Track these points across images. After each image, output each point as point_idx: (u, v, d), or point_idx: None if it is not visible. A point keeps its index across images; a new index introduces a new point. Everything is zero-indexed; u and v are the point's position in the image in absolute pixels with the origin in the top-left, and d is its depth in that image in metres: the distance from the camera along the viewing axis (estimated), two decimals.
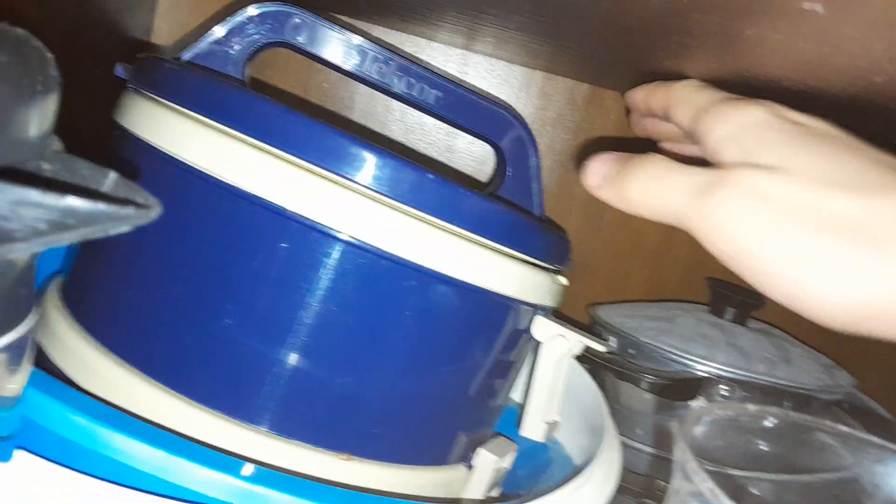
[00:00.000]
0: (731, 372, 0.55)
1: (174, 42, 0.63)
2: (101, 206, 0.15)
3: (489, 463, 0.42)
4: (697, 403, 0.55)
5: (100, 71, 0.45)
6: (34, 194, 0.14)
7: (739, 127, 0.30)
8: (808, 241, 0.26)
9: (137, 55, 0.40)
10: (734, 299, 0.62)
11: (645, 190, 0.31)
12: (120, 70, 0.39)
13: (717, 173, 0.29)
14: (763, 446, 0.26)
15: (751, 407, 0.25)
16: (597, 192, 0.34)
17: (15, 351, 0.19)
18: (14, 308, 0.19)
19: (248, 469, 0.28)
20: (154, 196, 0.34)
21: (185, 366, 0.35)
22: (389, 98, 0.49)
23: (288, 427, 0.35)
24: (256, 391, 0.34)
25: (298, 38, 0.42)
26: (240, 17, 0.41)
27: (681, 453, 0.22)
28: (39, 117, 0.18)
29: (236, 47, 0.41)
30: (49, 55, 0.19)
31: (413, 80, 0.45)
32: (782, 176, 0.27)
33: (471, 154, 0.68)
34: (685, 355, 0.56)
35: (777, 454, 0.27)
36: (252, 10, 0.41)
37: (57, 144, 0.20)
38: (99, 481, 0.25)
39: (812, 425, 0.27)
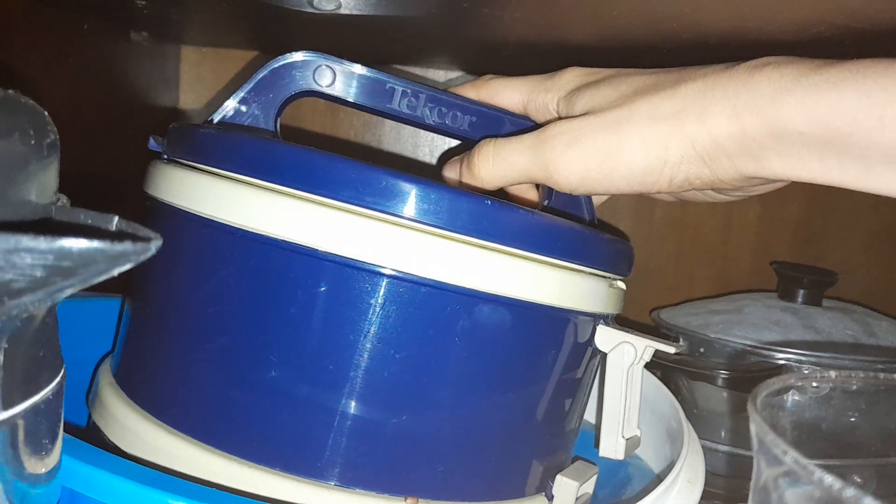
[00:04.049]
0: (813, 356, 0.51)
1: (201, 110, 0.64)
2: (95, 244, 0.14)
3: (570, 490, 0.39)
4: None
5: (133, 150, 0.45)
6: (25, 240, 0.14)
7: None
8: (587, 152, 0.37)
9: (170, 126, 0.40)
10: (804, 280, 0.58)
11: (490, 166, 0.40)
12: (152, 143, 0.39)
13: (540, 131, 0.39)
14: (853, 417, 0.24)
15: (832, 373, 0.23)
16: (464, 181, 0.42)
17: (38, 418, 0.18)
18: (34, 371, 0.18)
19: None
20: (187, 259, 0.33)
21: (236, 426, 0.34)
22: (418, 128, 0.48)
23: (345, 475, 0.33)
24: (308, 442, 0.33)
25: (325, 86, 0.41)
26: (264, 73, 0.40)
27: (757, 429, 0.19)
28: (39, 172, 0.18)
29: (264, 103, 0.41)
30: (43, 111, 0.19)
31: (444, 109, 0.44)
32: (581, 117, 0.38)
33: None
34: (759, 345, 0.53)
35: (873, 425, 0.24)
36: (275, 64, 0.41)
37: (63, 200, 0.19)
38: None
39: None
